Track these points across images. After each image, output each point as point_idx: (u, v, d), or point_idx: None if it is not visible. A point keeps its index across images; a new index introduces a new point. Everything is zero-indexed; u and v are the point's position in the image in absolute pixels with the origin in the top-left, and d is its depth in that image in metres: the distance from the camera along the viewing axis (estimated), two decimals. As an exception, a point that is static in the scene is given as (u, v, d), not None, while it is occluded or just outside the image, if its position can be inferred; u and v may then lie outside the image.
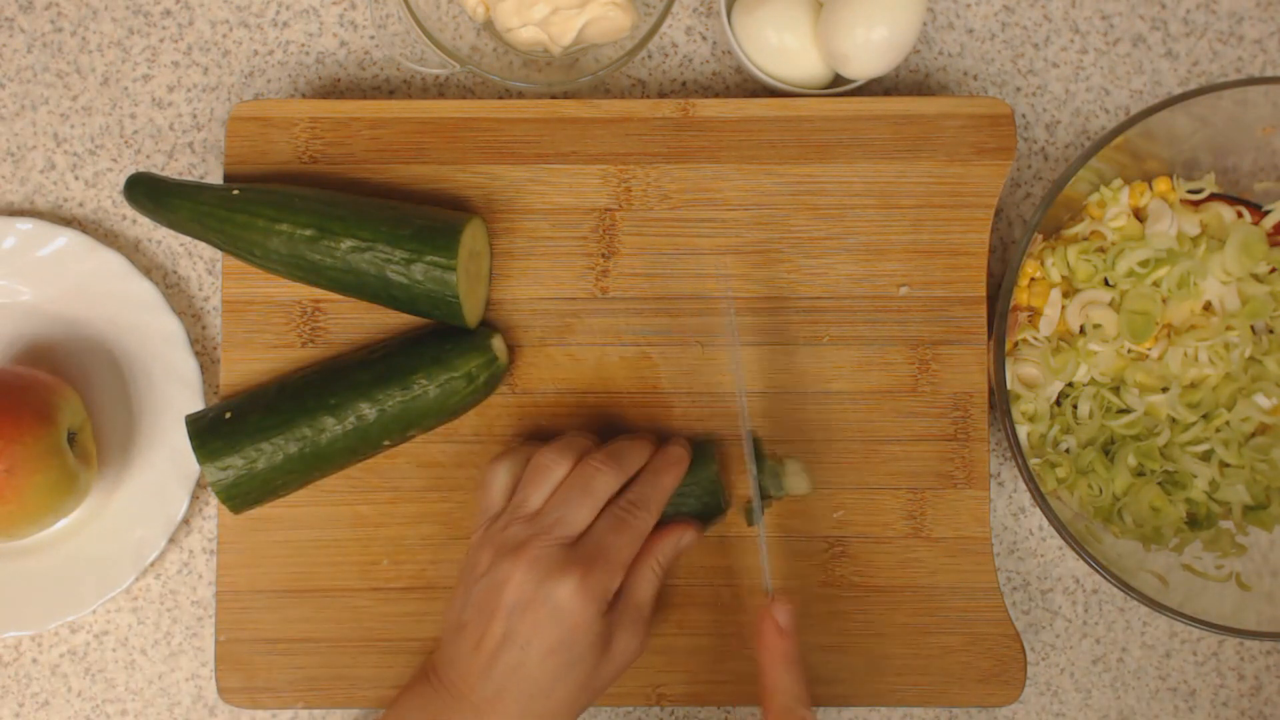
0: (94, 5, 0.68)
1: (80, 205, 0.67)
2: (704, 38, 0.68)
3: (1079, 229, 0.63)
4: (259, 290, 0.63)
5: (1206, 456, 0.61)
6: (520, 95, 0.66)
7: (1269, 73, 0.68)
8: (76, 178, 0.67)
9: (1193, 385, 0.62)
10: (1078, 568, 0.67)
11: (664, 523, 0.58)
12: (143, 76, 0.68)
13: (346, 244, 0.58)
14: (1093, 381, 0.62)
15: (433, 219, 0.59)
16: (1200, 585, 0.60)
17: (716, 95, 0.68)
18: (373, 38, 0.68)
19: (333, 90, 0.68)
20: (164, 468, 0.64)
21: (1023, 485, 0.67)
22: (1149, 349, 0.62)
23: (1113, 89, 0.68)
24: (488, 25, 0.65)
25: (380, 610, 0.63)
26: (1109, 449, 0.62)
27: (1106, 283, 0.62)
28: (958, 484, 0.63)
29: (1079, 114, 0.68)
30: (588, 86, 0.66)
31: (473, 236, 0.60)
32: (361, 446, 0.60)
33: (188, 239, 0.67)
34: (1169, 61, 0.68)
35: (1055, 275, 0.63)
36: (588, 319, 0.63)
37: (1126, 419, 0.61)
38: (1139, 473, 0.61)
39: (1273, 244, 0.62)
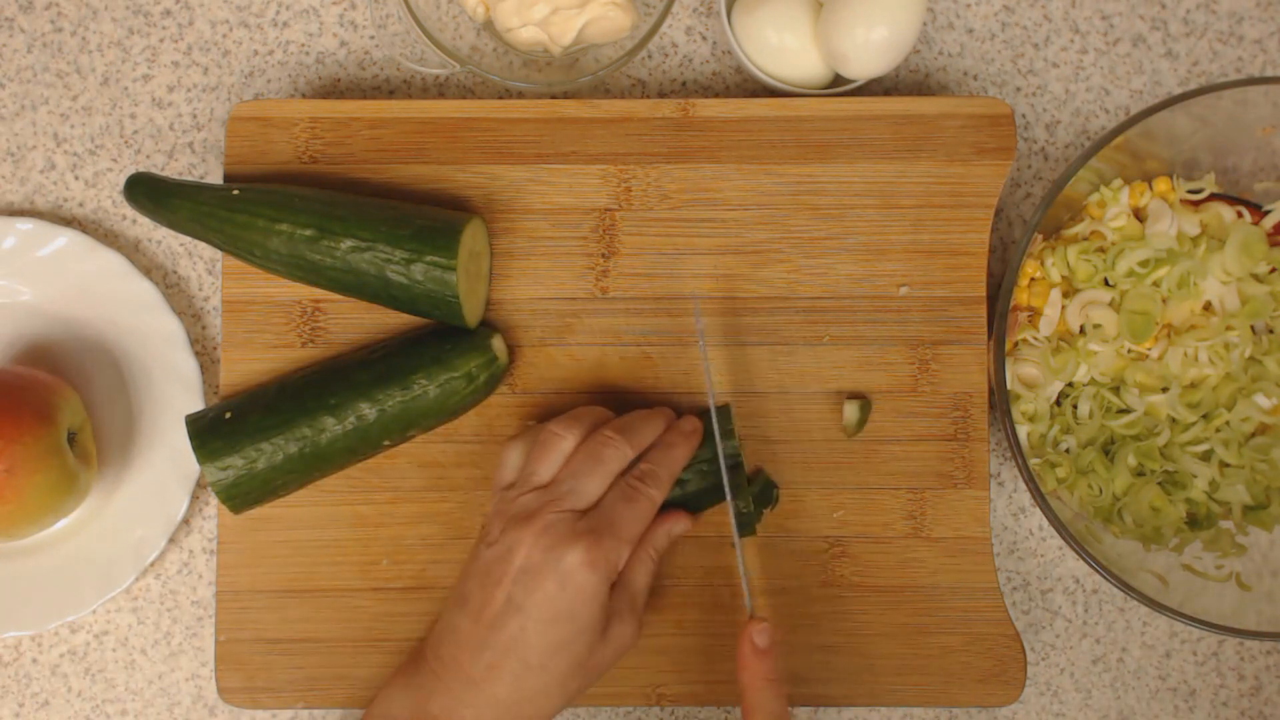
0: (94, 5, 0.68)
1: (80, 205, 0.67)
2: (704, 38, 0.68)
3: (1079, 229, 0.63)
4: (259, 290, 0.63)
5: (1206, 456, 0.61)
6: (520, 95, 0.66)
7: (1269, 73, 0.68)
8: (76, 178, 0.67)
9: (1193, 385, 0.62)
10: (1078, 568, 0.67)
11: (668, 505, 0.58)
12: (143, 76, 0.68)
13: (346, 244, 0.58)
14: (1093, 381, 0.62)
15: (433, 219, 0.59)
16: (1200, 585, 0.60)
17: (716, 95, 0.68)
18: (373, 38, 0.68)
19: (333, 90, 0.68)
20: (164, 468, 0.64)
21: (1023, 485, 0.67)
22: (1149, 349, 0.62)
23: (1113, 89, 0.68)
24: (488, 25, 0.65)
25: (380, 610, 0.63)
26: (1109, 449, 0.62)
27: (1106, 283, 0.62)
28: (958, 484, 0.63)
29: (1079, 114, 0.68)
30: (588, 86, 0.66)
31: (473, 236, 0.60)
32: (361, 446, 0.60)
33: (188, 239, 0.67)
34: (1169, 61, 0.68)
35: (1055, 275, 0.63)
36: (588, 319, 0.63)
37: (1126, 419, 0.61)
38: (1139, 473, 0.61)
39: (1273, 244, 0.62)
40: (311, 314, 0.63)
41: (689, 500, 0.60)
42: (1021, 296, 0.62)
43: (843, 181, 0.63)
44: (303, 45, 0.68)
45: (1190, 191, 0.63)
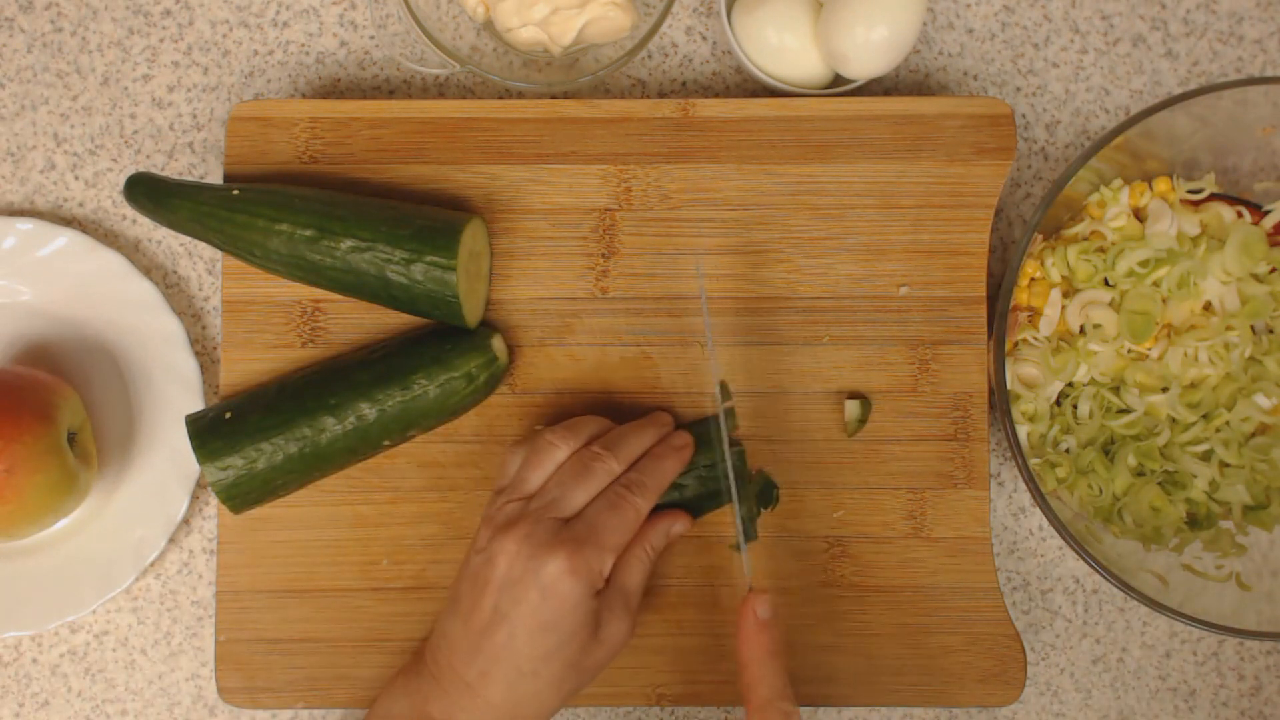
0: (94, 5, 0.68)
1: (80, 205, 0.67)
2: (704, 38, 0.68)
3: (1079, 229, 0.63)
4: (259, 290, 0.63)
5: (1206, 456, 0.61)
6: (520, 95, 0.66)
7: (1269, 73, 0.68)
8: (76, 178, 0.67)
9: (1193, 385, 0.62)
10: (1078, 568, 0.67)
11: (661, 507, 0.58)
12: (143, 76, 0.68)
13: (346, 244, 0.58)
14: (1093, 381, 0.62)
15: (433, 219, 0.59)
16: (1200, 585, 0.60)
17: (716, 95, 0.68)
18: (373, 38, 0.68)
19: (333, 90, 0.68)
20: (164, 468, 0.64)
21: (1023, 485, 0.67)
22: (1149, 349, 0.62)
23: (1113, 89, 0.68)
24: (488, 25, 0.65)
25: (380, 610, 0.63)
26: (1109, 449, 0.62)
27: (1106, 283, 0.62)
28: (958, 484, 0.63)
29: (1079, 114, 0.68)
30: (588, 86, 0.66)
31: (473, 236, 0.60)
32: (361, 446, 0.60)
33: (188, 239, 0.67)
34: (1169, 61, 0.68)
35: (1055, 275, 0.63)
36: (588, 319, 0.63)
37: (1126, 419, 0.61)
38: (1139, 473, 0.61)
39: (1273, 244, 0.62)
40: (311, 314, 0.63)
41: (687, 505, 0.60)
42: (1021, 296, 0.62)
43: (843, 181, 0.63)
44: (303, 45, 0.68)
45: (1190, 191, 0.63)
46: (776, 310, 0.63)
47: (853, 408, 0.62)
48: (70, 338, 0.65)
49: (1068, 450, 0.63)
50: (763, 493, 0.62)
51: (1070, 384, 0.62)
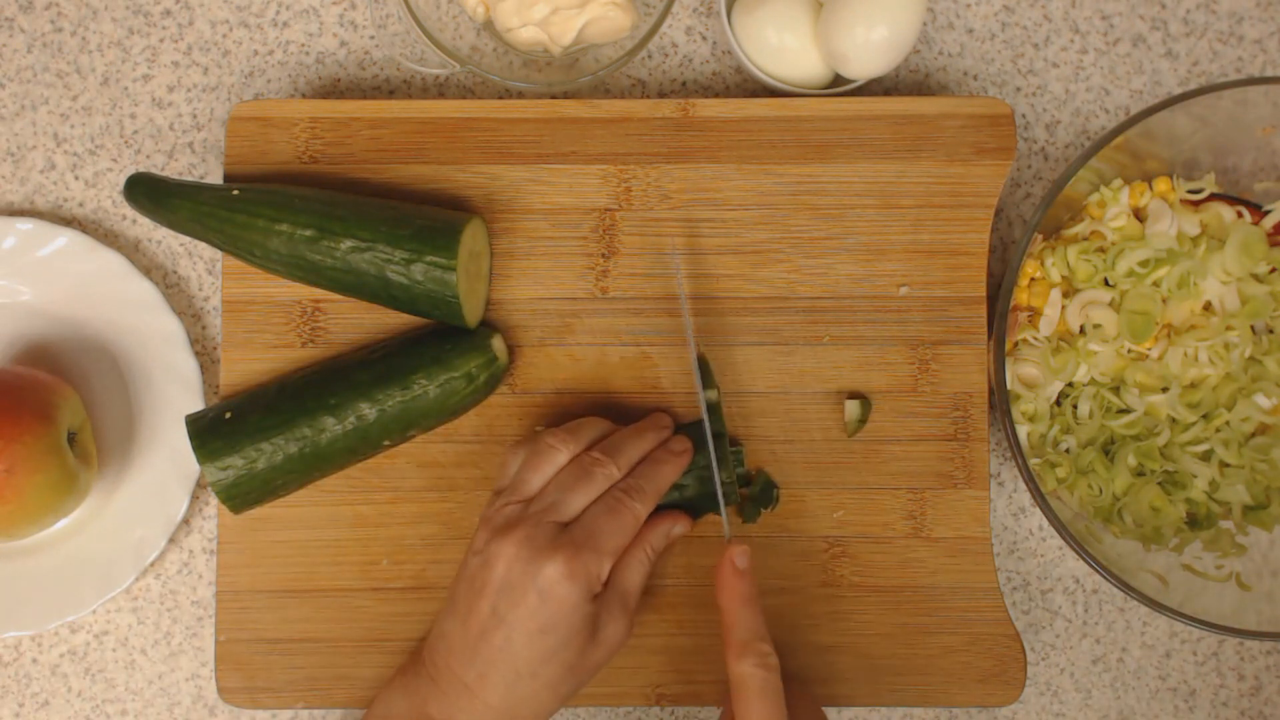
0: (94, 5, 0.68)
1: (80, 205, 0.67)
2: (704, 38, 0.68)
3: (1079, 229, 0.63)
4: (259, 290, 0.63)
5: (1206, 456, 0.61)
6: (520, 95, 0.66)
7: (1269, 73, 0.68)
8: (76, 178, 0.67)
9: (1193, 385, 0.62)
10: (1078, 568, 0.67)
11: (662, 508, 0.58)
12: (143, 76, 0.68)
13: (346, 244, 0.58)
14: (1093, 381, 0.62)
15: (433, 219, 0.59)
16: (1200, 585, 0.60)
17: (716, 95, 0.68)
18: (373, 38, 0.68)
19: (333, 90, 0.68)
20: (164, 468, 0.64)
21: (1023, 485, 0.67)
22: (1149, 349, 0.62)
23: (1113, 89, 0.68)
24: (488, 25, 0.65)
25: (380, 610, 0.63)
26: (1109, 449, 0.62)
27: (1106, 283, 0.62)
28: (958, 484, 0.63)
29: (1079, 114, 0.68)
30: (588, 86, 0.66)
31: (473, 236, 0.60)
32: (361, 446, 0.60)
33: (188, 239, 0.67)
34: (1169, 61, 0.68)
35: (1055, 275, 0.63)
36: (588, 319, 0.63)
37: (1126, 419, 0.61)
38: (1139, 473, 0.61)
39: (1273, 244, 0.62)
40: (311, 314, 0.63)
41: (687, 505, 0.60)
42: (1021, 296, 0.62)
43: (843, 181, 0.63)
44: (303, 45, 0.68)
45: (1190, 191, 0.63)
46: (776, 310, 0.63)
47: (853, 408, 0.62)
48: (70, 338, 0.65)
49: (1068, 450, 0.63)
50: (763, 493, 0.62)
51: (1070, 384, 0.62)
